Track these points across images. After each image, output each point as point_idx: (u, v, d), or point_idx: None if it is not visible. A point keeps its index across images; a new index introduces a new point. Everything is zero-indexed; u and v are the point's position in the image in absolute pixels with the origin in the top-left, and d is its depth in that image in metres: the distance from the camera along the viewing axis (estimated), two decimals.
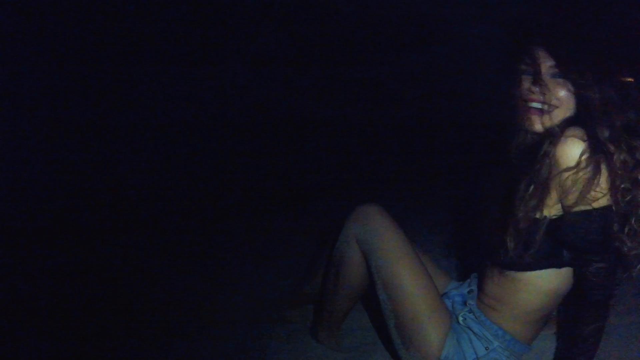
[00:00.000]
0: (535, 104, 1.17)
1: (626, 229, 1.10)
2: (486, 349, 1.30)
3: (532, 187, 1.13)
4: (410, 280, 1.35)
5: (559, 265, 1.19)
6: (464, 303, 1.39)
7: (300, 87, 5.35)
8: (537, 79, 1.15)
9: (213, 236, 2.84)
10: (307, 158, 4.19)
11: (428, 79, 5.13)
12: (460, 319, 1.36)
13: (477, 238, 1.38)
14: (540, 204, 1.14)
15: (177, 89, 5.26)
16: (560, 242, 1.16)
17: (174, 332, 1.88)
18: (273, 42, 5.85)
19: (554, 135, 1.11)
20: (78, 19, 5.17)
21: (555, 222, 1.15)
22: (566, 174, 1.09)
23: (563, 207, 1.13)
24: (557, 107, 1.15)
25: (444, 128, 4.23)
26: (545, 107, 1.15)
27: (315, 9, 5.61)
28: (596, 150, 1.07)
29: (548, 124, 1.15)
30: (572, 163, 1.08)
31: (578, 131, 1.09)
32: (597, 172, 1.07)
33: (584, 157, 1.07)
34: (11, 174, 3.85)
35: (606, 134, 1.08)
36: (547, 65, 1.14)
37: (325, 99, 5.14)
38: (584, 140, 1.07)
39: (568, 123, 1.13)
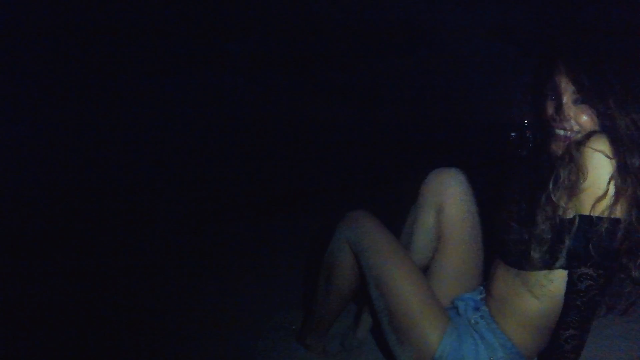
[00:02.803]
0: (558, 131, 1.19)
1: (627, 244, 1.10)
2: (490, 359, 1.29)
3: (557, 190, 1.13)
4: (401, 277, 1.36)
5: (565, 266, 1.18)
6: (477, 308, 1.38)
7: (292, 90, 5.38)
8: (559, 108, 1.17)
9: (210, 238, 2.87)
10: (301, 161, 4.22)
11: (418, 83, 5.18)
12: (472, 321, 1.35)
13: (488, 238, 1.41)
14: (565, 206, 1.14)
15: (174, 92, 5.29)
16: (562, 242, 1.15)
17: (169, 333, 1.88)
18: (264, 47, 5.88)
19: (579, 144, 1.11)
20: (71, 28, 5.17)
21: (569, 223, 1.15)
22: (590, 186, 1.09)
23: (578, 208, 1.13)
24: (579, 132, 1.16)
25: (436, 130, 4.28)
26: (568, 133, 1.17)
27: (306, 14, 5.64)
28: (625, 178, 1.07)
29: (571, 142, 1.16)
30: (600, 181, 1.08)
31: (603, 143, 1.09)
32: (621, 195, 1.07)
33: (612, 182, 1.07)
34: (11, 174, 3.84)
35: (636, 162, 1.08)
36: (569, 91, 1.16)
37: (318, 103, 5.18)
38: (612, 158, 1.07)
39: (592, 133, 1.13)
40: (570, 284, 1.14)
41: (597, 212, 1.08)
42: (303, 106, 5.11)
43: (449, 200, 1.51)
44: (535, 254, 1.16)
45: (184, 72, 5.40)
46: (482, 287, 1.46)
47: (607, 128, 1.12)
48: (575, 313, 1.13)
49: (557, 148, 1.19)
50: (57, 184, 3.71)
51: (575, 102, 1.16)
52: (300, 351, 1.69)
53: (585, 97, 1.14)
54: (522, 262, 1.20)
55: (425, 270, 1.54)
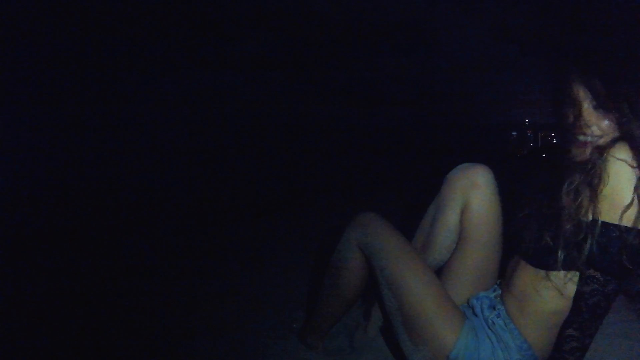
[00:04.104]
0: (580, 137, 1.19)
1: None
2: None
3: (579, 194, 1.14)
4: (414, 277, 1.36)
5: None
6: (493, 307, 1.38)
7: (292, 90, 5.39)
8: (579, 114, 1.17)
9: (210, 238, 2.88)
10: (301, 161, 4.23)
11: (418, 83, 5.20)
12: (490, 321, 1.34)
13: (507, 236, 1.41)
14: (585, 209, 1.14)
15: (174, 91, 5.30)
16: (585, 243, 1.15)
17: (169, 333, 1.89)
18: (265, 47, 5.87)
19: (601, 150, 1.12)
20: (74, 28, 5.19)
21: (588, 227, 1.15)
22: (610, 193, 1.10)
23: (597, 213, 1.13)
24: (600, 136, 1.17)
25: (436, 130, 4.30)
26: (589, 138, 1.18)
27: (307, 14, 5.64)
28: None
29: (595, 147, 1.17)
30: (619, 189, 1.09)
31: (626, 151, 1.10)
32: None
33: (635, 192, 1.07)
34: (11, 174, 3.86)
35: None
36: (588, 98, 1.17)
37: (318, 103, 5.19)
38: (634, 167, 1.08)
39: (615, 140, 1.14)
40: (578, 284, 1.15)
41: (612, 219, 1.09)
42: (303, 106, 5.12)
43: (476, 199, 1.48)
44: (562, 254, 1.16)
45: (184, 72, 5.40)
46: (496, 285, 1.45)
47: (626, 133, 1.12)
48: (577, 314, 1.15)
49: (580, 153, 1.19)
50: (58, 184, 3.71)
51: (595, 108, 1.16)
52: (301, 350, 1.69)
53: (602, 103, 1.15)
54: (546, 262, 1.20)
55: (441, 268, 1.54)
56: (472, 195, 1.48)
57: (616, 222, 1.08)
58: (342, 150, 4.38)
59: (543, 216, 1.21)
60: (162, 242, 2.80)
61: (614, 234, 1.09)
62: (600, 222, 1.10)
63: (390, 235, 1.43)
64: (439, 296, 1.35)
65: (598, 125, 1.16)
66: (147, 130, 4.68)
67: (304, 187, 3.68)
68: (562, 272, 1.19)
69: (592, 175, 1.11)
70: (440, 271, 1.53)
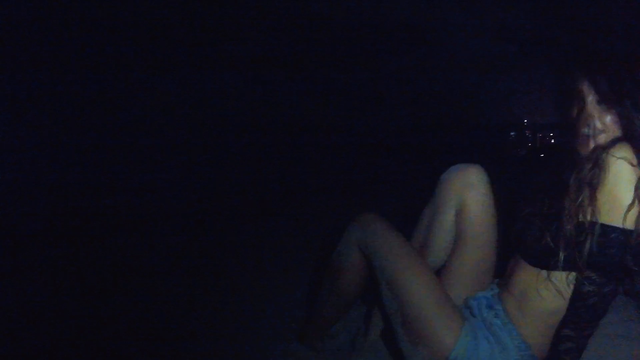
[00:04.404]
0: (583, 130, 1.20)
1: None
2: None
3: (580, 192, 1.14)
4: (415, 278, 1.35)
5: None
6: (491, 306, 1.38)
7: (292, 90, 5.41)
8: (582, 108, 1.20)
9: (210, 238, 2.89)
10: (301, 161, 4.24)
11: (419, 83, 5.22)
12: (488, 323, 1.34)
13: (506, 235, 1.40)
14: (586, 208, 1.14)
15: (174, 92, 5.31)
16: (584, 243, 1.15)
17: (169, 332, 1.89)
18: (264, 47, 5.89)
19: (603, 149, 1.13)
20: (74, 28, 5.20)
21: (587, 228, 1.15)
22: (609, 192, 1.10)
23: (597, 213, 1.13)
24: (603, 131, 1.18)
25: (436, 130, 4.32)
26: (592, 132, 1.19)
27: (308, 14, 5.66)
28: None
29: (595, 146, 1.18)
30: (618, 188, 1.09)
31: (627, 150, 1.10)
32: None
33: (636, 192, 1.07)
34: (12, 174, 3.86)
35: None
36: (591, 94, 1.19)
37: (318, 103, 5.20)
38: (635, 166, 1.08)
39: (616, 140, 1.15)
40: (576, 285, 1.15)
41: (612, 220, 1.09)
42: (303, 106, 5.13)
43: (471, 200, 1.47)
44: (562, 255, 1.15)
45: (184, 72, 5.41)
46: (494, 284, 1.45)
47: (628, 132, 1.14)
48: (574, 314, 1.16)
49: (582, 148, 1.20)
50: (58, 185, 3.72)
51: (598, 102, 1.18)
52: (300, 350, 1.69)
53: (605, 100, 1.16)
54: (547, 262, 1.19)
55: (439, 269, 1.54)
56: (468, 196, 1.48)
57: (616, 223, 1.08)
58: (342, 151, 4.39)
59: (544, 216, 1.21)
60: (162, 242, 2.80)
61: (614, 235, 1.09)
62: (600, 222, 1.10)
63: (391, 235, 1.42)
64: (439, 297, 1.35)
65: (601, 120, 1.17)
66: (148, 130, 4.69)
67: (304, 187, 3.68)
68: (562, 273, 1.18)
69: (593, 174, 1.12)
70: (438, 272, 1.53)
